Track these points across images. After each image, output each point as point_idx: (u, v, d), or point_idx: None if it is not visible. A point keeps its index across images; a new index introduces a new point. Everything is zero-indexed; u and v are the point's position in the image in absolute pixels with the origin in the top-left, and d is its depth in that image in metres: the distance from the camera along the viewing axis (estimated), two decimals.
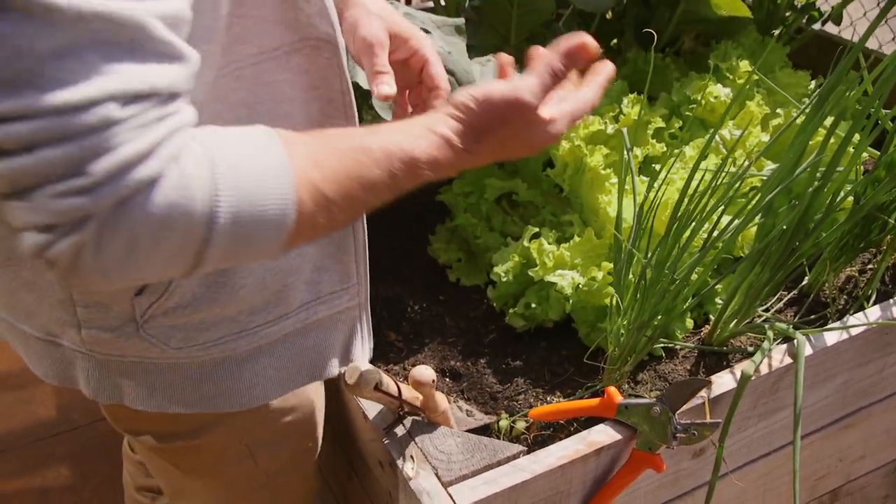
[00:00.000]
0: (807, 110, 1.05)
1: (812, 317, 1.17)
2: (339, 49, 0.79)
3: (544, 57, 0.74)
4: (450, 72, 1.15)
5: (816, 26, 1.66)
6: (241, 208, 0.59)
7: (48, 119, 0.53)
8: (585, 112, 0.77)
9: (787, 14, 1.62)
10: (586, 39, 0.75)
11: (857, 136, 1.08)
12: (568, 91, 0.77)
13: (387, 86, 0.82)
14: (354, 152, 0.67)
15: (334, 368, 0.92)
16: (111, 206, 0.56)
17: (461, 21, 1.21)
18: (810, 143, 1.04)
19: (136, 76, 0.56)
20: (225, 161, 0.59)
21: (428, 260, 1.33)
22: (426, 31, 1.17)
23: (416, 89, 0.91)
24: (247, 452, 0.94)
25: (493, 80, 0.78)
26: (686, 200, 1.01)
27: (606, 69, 0.79)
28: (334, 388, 1.11)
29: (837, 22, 1.61)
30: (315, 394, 1.00)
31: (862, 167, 1.23)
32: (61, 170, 0.54)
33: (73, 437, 1.86)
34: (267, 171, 0.61)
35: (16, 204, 0.55)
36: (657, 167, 1.23)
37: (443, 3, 1.48)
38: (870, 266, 1.27)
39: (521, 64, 1.53)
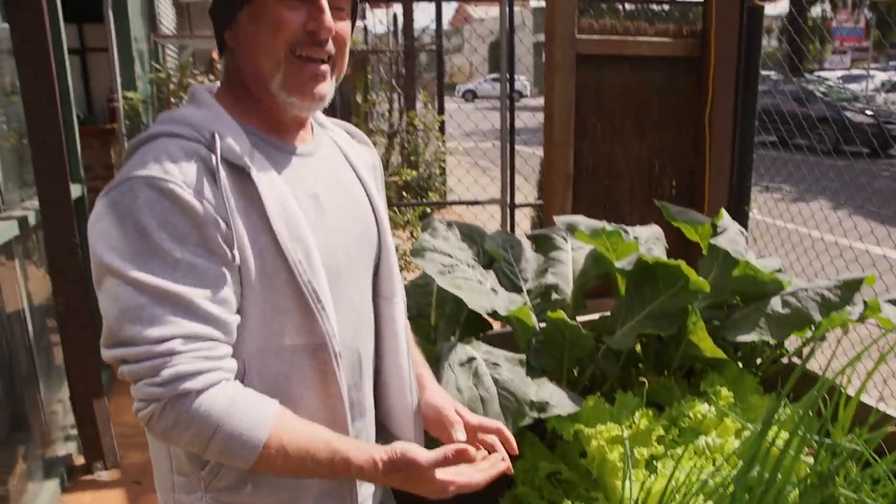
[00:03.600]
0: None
1: None
2: (336, 361, 1.10)
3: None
4: (510, 392, 1.81)
5: (785, 360, 2.28)
6: (229, 441, 0.99)
7: (143, 347, 0.95)
8: (471, 489, 1.12)
9: (765, 349, 2.25)
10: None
11: (794, 447, 1.63)
12: (469, 467, 1.13)
13: (460, 432, 1.25)
14: (317, 440, 1.04)
15: None
16: (169, 398, 0.96)
17: (523, 357, 1.89)
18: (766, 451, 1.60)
19: (188, 326, 0.97)
20: (236, 410, 0.99)
21: None
22: (497, 364, 1.86)
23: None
24: None
25: (417, 446, 1.10)
26: (668, 490, 1.57)
27: (500, 466, 1.18)
28: None
29: (800, 358, 2.22)
30: None
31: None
32: (146, 373, 0.96)
33: None
34: (254, 430, 1.00)
35: (131, 386, 0.99)
36: (657, 464, 1.81)
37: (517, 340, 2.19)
38: None
39: (570, 381, 2.16)
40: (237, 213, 1.03)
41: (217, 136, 1.04)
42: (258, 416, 1.01)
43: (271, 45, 1.07)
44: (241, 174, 1.05)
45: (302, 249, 1.06)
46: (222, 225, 1.00)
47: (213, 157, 1.02)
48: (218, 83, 1.19)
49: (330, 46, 1.10)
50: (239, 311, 1.04)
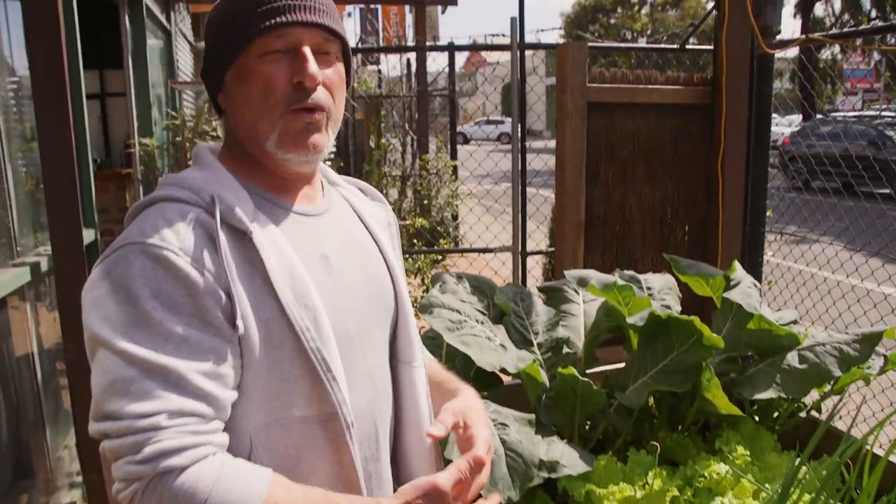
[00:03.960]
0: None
1: None
2: (349, 431, 1.02)
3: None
4: (518, 454, 1.77)
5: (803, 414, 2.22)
6: None
7: (125, 421, 0.88)
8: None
9: (782, 403, 2.19)
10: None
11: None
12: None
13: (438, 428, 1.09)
14: (314, 495, 0.95)
15: None
16: (151, 477, 0.88)
17: (532, 416, 1.86)
18: None
19: (176, 402, 0.90)
20: (224, 483, 0.90)
21: None
22: (505, 425, 1.82)
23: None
24: None
25: (427, 475, 1.02)
26: None
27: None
28: None
29: (819, 412, 2.16)
30: None
31: None
32: (128, 450, 0.89)
33: None
34: (246, 502, 0.90)
35: (112, 465, 0.91)
36: None
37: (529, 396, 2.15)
38: None
39: (582, 437, 2.13)
40: (239, 281, 0.98)
41: (217, 199, 1.00)
42: (249, 487, 0.92)
43: (265, 108, 1.04)
44: (243, 238, 1.00)
45: (309, 315, 1.01)
46: (222, 296, 0.96)
47: (213, 222, 0.98)
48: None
49: (321, 94, 1.06)
50: (241, 386, 0.99)
